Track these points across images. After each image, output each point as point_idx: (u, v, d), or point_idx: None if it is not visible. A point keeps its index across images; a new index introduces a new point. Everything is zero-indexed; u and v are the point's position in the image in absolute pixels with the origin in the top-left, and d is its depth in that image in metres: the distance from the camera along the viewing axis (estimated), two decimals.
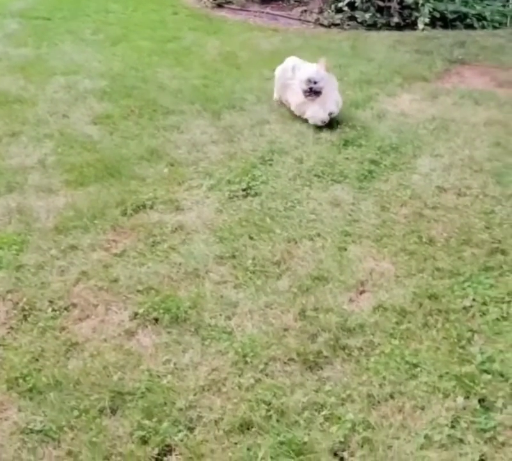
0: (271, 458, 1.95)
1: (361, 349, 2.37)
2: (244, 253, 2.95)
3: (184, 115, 4.45)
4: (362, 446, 1.98)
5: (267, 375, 2.27)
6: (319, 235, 3.09)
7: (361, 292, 2.70)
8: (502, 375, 2.21)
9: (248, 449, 1.98)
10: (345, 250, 2.97)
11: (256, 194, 3.45)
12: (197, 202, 3.39)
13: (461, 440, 1.98)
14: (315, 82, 4.00)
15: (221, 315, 2.57)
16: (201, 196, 3.45)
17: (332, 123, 4.15)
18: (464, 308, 2.55)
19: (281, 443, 1.99)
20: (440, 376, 2.22)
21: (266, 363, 2.32)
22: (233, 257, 2.93)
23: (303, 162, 3.78)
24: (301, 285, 2.72)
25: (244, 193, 3.46)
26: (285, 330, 2.48)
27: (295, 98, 4.24)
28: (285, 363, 2.33)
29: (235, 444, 2.01)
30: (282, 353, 2.36)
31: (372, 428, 2.04)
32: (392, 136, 4.03)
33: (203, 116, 4.45)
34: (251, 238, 3.06)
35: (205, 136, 4.14)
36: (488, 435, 2.00)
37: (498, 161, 3.71)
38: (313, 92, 4.02)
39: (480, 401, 2.12)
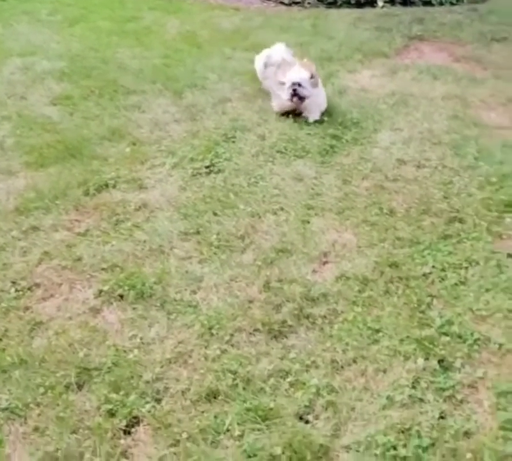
0: (238, 424, 1.96)
1: (324, 317, 2.40)
2: (208, 228, 2.93)
3: (146, 95, 4.37)
4: (326, 409, 2.01)
5: (232, 346, 2.28)
6: (282, 209, 3.09)
7: (324, 263, 2.72)
8: (460, 337, 2.27)
9: (215, 417, 1.99)
10: (308, 222, 2.98)
11: (219, 171, 3.43)
12: (160, 180, 3.35)
13: (421, 400, 2.03)
14: (299, 85, 3.78)
15: (186, 289, 2.56)
16: (165, 174, 3.41)
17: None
18: (424, 274, 2.60)
19: (248, 410, 2.01)
20: (401, 340, 2.26)
21: (232, 335, 2.33)
22: (198, 232, 2.91)
23: (266, 138, 3.76)
24: (265, 258, 2.73)
25: (208, 170, 3.44)
26: (250, 301, 2.49)
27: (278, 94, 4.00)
28: (250, 333, 2.34)
29: (202, 412, 2.02)
30: (247, 324, 2.37)
31: (335, 391, 2.07)
32: (353, 111, 4.03)
33: (164, 96, 4.37)
34: (215, 214, 3.05)
35: (167, 115, 4.08)
36: (446, 393, 2.05)
37: (456, 133, 3.75)
38: (297, 95, 3.79)
39: (440, 362, 2.17)
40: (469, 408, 2.00)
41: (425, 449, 1.85)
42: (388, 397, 2.04)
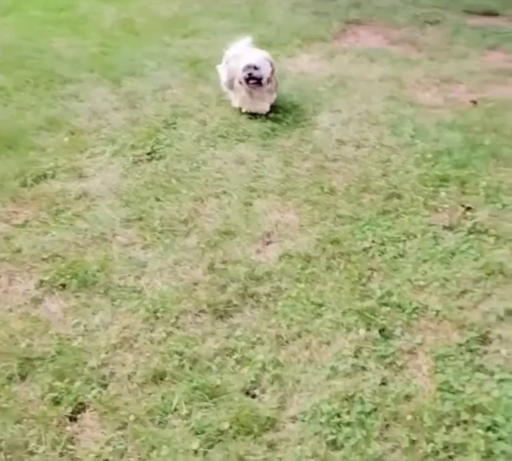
0: (185, 403, 1.96)
1: (269, 295, 2.42)
2: (151, 214, 2.90)
3: (83, 84, 4.27)
4: (272, 383, 2.04)
5: (178, 328, 2.28)
6: (225, 192, 3.09)
7: (268, 243, 2.74)
8: (399, 306, 2.33)
9: (162, 397, 1.99)
10: (251, 204, 2.99)
11: (161, 157, 3.39)
12: (100, 169, 3.29)
13: (363, 368, 2.08)
14: (255, 68, 3.56)
15: (130, 275, 2.53)
16: (105, 162, 3.35)
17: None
18: (364, 249, 2.65)
19: (195, 388, 2.01)
20: (343, 313, 2.31)
21: (177, 317, 2.32)
22: (140, 219, 2.88)
23: (207, 124, 3.75)
24: (209, 241, 2.72)
25: (149, 156, 3.40)
26: (195, 284, 2.49)
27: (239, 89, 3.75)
28: (196, 315, 2.33)
29: (150, 394, 2.01)
30: (193, 306, 2.37)
31: (281, 365, 2.10)
32: (293, 95, 4.06)
33: (103, 84, 4.29)
34: (157, 200, 3.02)
35: (106, 104, 4.00)
36: (387, 360, 2.11)
37: (392, 113, 3.83)
38: (253, 78, 3.57)
39: (381, 331, 2.22)
40: (409, 373, 2.06)
41: (367, 414, 1.90)
42: (331, 368, 2.08)
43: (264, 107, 3.76)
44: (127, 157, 3.39)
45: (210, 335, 2.24)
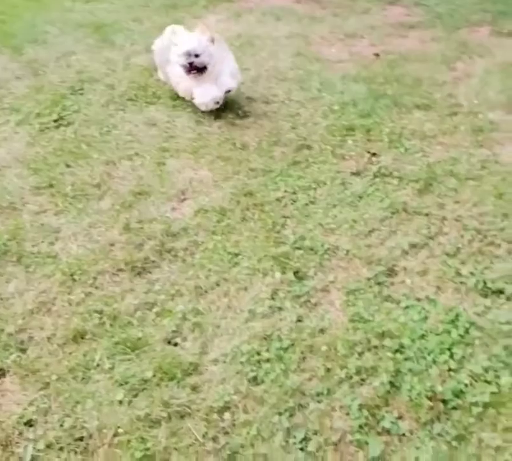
0: (107, 358, 1.94)
1: (186, 249, 2.41)
2: (61, 181, 2.80)
3: None
4: (193, 331, 2.05)
5: (96, 288, 2.23)
6: (137, 154, 3.02)
7: (183, 200, 2.71)
8: (311, 249, 2.39)
9: (84, 355, 1.96)
10: (164, 164, 2.94)
11: (68, 123, 3.26)
12: (5, 139, 3.12)
13: (280, 308, 2.13)
14: (196, 56, 3.08)
15: (43, 242, 2.44)
16: (9, 132, 3.18)
17: (143, 52, 3.98)
18: (277, 199, 2.68)
19: (117, 343, 1.99)
20: (259, 260, 2.34)
21: (95, 278, 2.27)
22: (51, 186, 2.77)
23: (115, 88, 3.62)
24: (123, 202, 2.67)
25: (56, 123, 3.25)
26: (111, 244, 2.44)
27: (181, 79, 3.29)
28: (113, 274, 2.30)
29: (70, 353, 1.97)
30: (110, 266, 2.32)
31: (201, 313, 2.11)
32: None
33: (2, 53, 4.04)
34: (68, 166, 2.91)
35: (7, 73, 3.78)
36: (302, 299, 2.16)
37: (299, 69, 3.84)
38: (195, 68, 3.12)
39: (295, 273, 2.27)
40: (323, 309, 2.13)
41: (285, 350, 1.96)
42: (250, 311, 2.11)
43: (216, 92, 3.20)
44: (32, 125, 3.23)
45: (129, 291, 2.21)
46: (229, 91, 3.24)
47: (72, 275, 2.28)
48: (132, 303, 2.15)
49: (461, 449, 1.64)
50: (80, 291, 2.21)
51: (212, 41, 3.15)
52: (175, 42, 3.18)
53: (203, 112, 3.34)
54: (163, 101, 3.48)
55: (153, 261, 2.35)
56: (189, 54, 3.08)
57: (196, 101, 3.26)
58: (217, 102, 3.24)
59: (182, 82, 3.29)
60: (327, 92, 3.54)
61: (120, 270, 2.31)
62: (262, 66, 3.87)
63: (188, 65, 3.10)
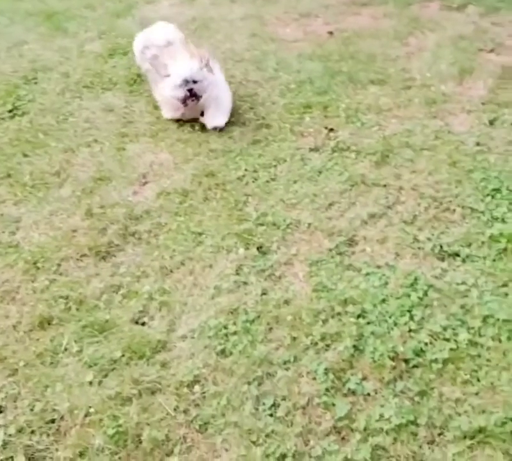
0: (75, 342, 1.94)
1: (150, 231, 2.40)
2: (19, 170, 2.75)
3: None
4: (160, 309, 2.05)
5: (61, 274, 2.21)
6: (96, 141, 2.97)
7: (144, 184, 2.69)
8: (274, 224, 2.40)
9: (51, 340, 1.95)
10: (124, 149, 2.91)
11: (24, 113, 3.19)
12: None
13: (245, 283, 2.14)
14: (194, 82, 2.79)
15: (4, 232, 2.40)
16: None
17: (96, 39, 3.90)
18: (238, 178, 2.68)
19: (84, 327, 1.98)
20: (223, 237, 2.35)
21: (59, 264, 2.25)
22: (9, 176, 2.72)
23: (70, 76, 3.55)
24: (84, 189, 2.63)
25: (11, 114, 3.18)
26: (74, 231, 2.41)
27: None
28: (77, 260, 2.28)
29: (38, 339, 1.95)
30: (73, 252, 2.30)
31: (167, 293, 2.12)
32: None
33: None
34: (25, 155, 2.85)
35: None
36: (266, 273, 2.18)
37: (256, 49, 3.82)
38: (194, 95, 2.81)
39: (258, 248, 2.29)
40: (287, 281, 2.15)
41: (251, 322, 1.98)
42: (215, 287, 2.12)
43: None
44: None
45: (94, 276, 2.20)
46: (217, 128, 2.95)
47: (35, 263, 2.25)
48: (97, 287, 2.14)
49: (423, 404, 1.69)
50: (45, 278, 2.19)
51: (207, 63, 2.85)
52: (165, 74, 2.85)
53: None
54: (120, 87, 3.43)
55: (118, 245, 2.34)
56: (187, 82, 2.78)
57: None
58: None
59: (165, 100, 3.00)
60: (283, 71, 3.54)
61: (84, 255, 2.29)
62: (218, 49, 3.83)
63: (187, 92, 2.79)
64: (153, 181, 2.70)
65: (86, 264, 2.26)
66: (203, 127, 3.05)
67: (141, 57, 3.05)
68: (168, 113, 3.06)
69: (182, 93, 2.78)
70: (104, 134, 3.02)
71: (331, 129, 2.98)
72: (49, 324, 2.01)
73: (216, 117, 2.96)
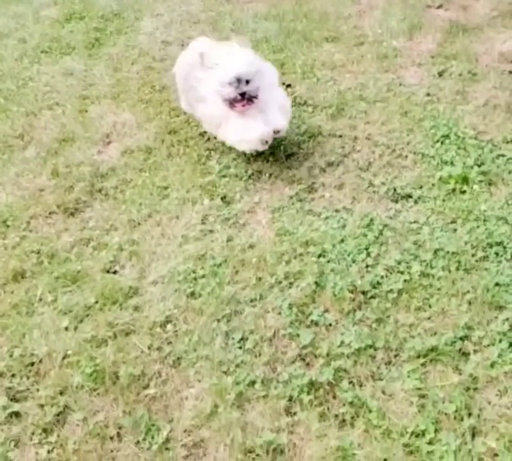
0: (49, 292, 1.93)
1: (116, 187, 2.38)
2: None
3: None
4: (130, 259, 2.06)
5: (31, 231, 2.19)
6: (57, 104, 2.90)
7: (108, 143, 2.65)
8: (237, 176, 2.40)
9: (26, 292, 1.94)
10: (86, 111, 2.84)
11: None
12: None
13: (211, 231, 2.16)
14: (247, 82, 2.16)
15: None
16: None
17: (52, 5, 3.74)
18: (200, 134, 2.65)
19: (57, 278, 1.98)
20: (188, 190, 2.34)
21: (28, 222, 2.22)
22: None
23: (27, 41, 3.42)
24: (48, 150, 2.58)
25: None
26: (41, 190, 2.37)
27: (223, 120, 2.31)
28: (46, 217, 2.25)
29: (12, 292, 1.94)
30: (42, 210, 2.27)
31: (136, 243, 2.12)
32: (112, 4, 3.78)
33: None
34: None
35: None
36: (231, 221, 2.20)
37: (211, 11, 3.72)
38: (246, 99, 2.18)
39: (222, 198, 2.30)
40: (251, 227, 2.17)
41: (219, 266, 2.00)
42: (183, 236, 2.13)
43: (262, 128, 2.24)
44: None
45: (64, 231, 2.18)
46: (278, 131, 2.29)
47: (4, 222, 2.22)
48: (68, 241, 2.13)
49: (380, 330, 1.76)
50: (15, 235, 2.16)
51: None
52: (211, 65, 2.22)
53: (118, 59, 3.21)
54: (78, 51, 3.32)
55: (85, 201, 2.31)
56: (237, 80, 2.15)
57: (234, 138, 2.32)
58: (266, 142, 2.27)
59: (226, 123, 2.30)
60: (240, 31, 3.47)
61: (53, 213, 2.27)
62: (174, 11, 3.72)
63: (239, 96, 2.16)
64: (117, 140, 2.65)
65: (55, 220, 2.23)
66: (163, 87, 3.00)
67: (184, 71, 2.45)
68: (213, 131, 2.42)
69: (231, 93, 2.17)
70: (65, 97, 2.94)
71: (288, 85, 2.96)
72: (23, 277, 2.00)
73: (276, 117, 2.28)
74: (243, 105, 2.20)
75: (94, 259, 2.05)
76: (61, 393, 1.64)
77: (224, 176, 2.41)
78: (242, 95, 2.16)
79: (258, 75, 2.21)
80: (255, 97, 2.20)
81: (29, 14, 3.71)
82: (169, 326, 1.81)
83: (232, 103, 2.19)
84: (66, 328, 1.81)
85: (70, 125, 2.73)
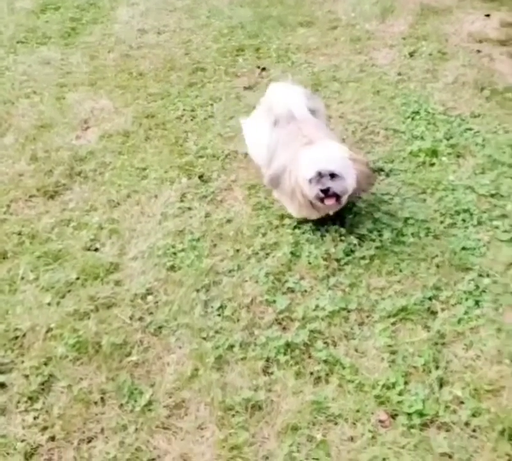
0: (31, 271, 1.98)
1: (95, 170, 2.43)
2: None
3: None
4: (110, 237, 2.11)
5: (11, 214, 2.23)
6: (35, 92, 2.94)
7: (87, 128, 2.69)
8: (214, 156, 2.47)
9: (8, 271, 1.99)
10: (64, 98, 2.89)
11: None
12: None
13: (189, 208, 2.22)
14: (332, 176, 1.87)
15: None
16: None
17: None
18: (177, 117, 2.72)
19: (38, 257, 2.03)
20: (166, 171, 2.40)
21: (8, 205, 2.27)
22: None
23: (2, 32, 3.45)
24: (27, 136, 2.62)
25: None
26: (21, 174, 2.41)
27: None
28: (26, 200, 2.29)
29: None
30: (22, 193, 2.32)
31: (116, 222, 2.17)
32: None
33: None
34: None
35: None
36: (209, 198, 2.26)
37: None
38: (333, 195, 1.88)
39: (200, 177, 2.36)
40: (228, 204, 2.24)
41: (197, 240, 2.07)
42: (162, 214, 2.19)
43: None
44: None
45: (44, 213, 2.23)
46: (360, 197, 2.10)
47: None
48: (48, 222, 2.18)
49: (353, 293, 1.83)
50: None
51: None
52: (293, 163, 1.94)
53: (95, 47, 3.26)
54: (54, 41, 3.36)
55: (65, 184, 2.36)
56: (322, 176, 1.87)
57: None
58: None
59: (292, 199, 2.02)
60: (216, 18, 3.53)
61: (33, 196, 2.31)
62: (149, 0, 3.77)
63: (321, 193, 1.87)
64: (95, 125, 2.70)
65: (35, 203, 2.28)
66: (140, 74, 3.05)
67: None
68: (295, 211, 2.09)
69: (313, 191, 1.89)
70: (43, 85, 2.98)
71: (264, 69, 3.03)
72: (4, 258, 2.05)
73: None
74: (328, 203, 1.89)
75: (75, 238, 2.11)
76: (46, 364, 1.70)
77: (201, 156, 2.47)
78: (326, 192, 1.86)
79: (350, 172, 1.89)
80: (343, 194, 1.90)
81: (4, 5, 3.73)
82: (150, 298, 1.87)
83: (321, 200, 1.90)
84: (49, 304, 1.87)
85: (48, 111, 2.78)
